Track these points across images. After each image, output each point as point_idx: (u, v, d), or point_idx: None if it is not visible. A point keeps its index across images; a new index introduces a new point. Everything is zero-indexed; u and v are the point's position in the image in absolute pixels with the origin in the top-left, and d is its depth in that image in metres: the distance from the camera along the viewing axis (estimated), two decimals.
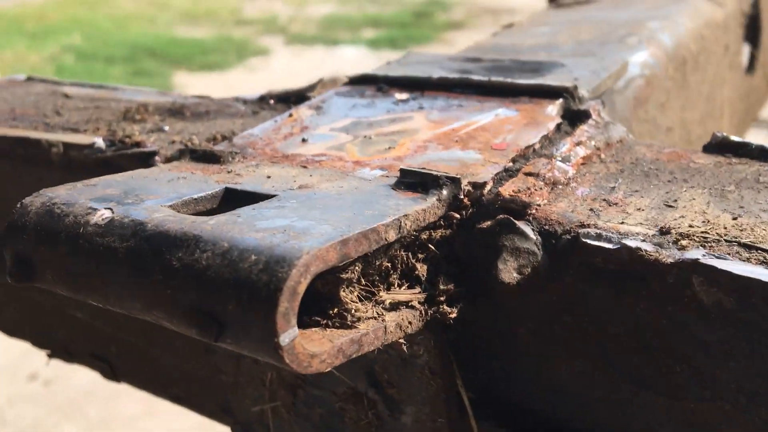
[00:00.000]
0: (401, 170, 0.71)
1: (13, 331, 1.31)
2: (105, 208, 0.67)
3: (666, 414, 0.65)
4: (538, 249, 0.67)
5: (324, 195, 0.69)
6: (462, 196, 0.70)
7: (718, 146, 0.78)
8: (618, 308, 0.64)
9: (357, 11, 10.97)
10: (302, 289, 0.54)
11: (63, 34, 9.57)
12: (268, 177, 0.76)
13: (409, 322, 0.66)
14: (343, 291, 0.63)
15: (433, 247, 0.70)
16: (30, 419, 3.33)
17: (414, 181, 0.70)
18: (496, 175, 0.73)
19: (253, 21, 10.71)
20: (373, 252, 0.65)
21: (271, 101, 1.09)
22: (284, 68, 8.49)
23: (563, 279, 0.66)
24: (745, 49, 1.60)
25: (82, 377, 3.31)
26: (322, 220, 0.62)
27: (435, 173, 0.69)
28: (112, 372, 1.16)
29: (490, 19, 10.26)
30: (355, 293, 0.64)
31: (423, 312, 0.68)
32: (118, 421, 3.29)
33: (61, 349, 1.23)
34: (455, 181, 0.69)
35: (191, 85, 7.93)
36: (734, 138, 0.77)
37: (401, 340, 0.67)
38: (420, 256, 0.70)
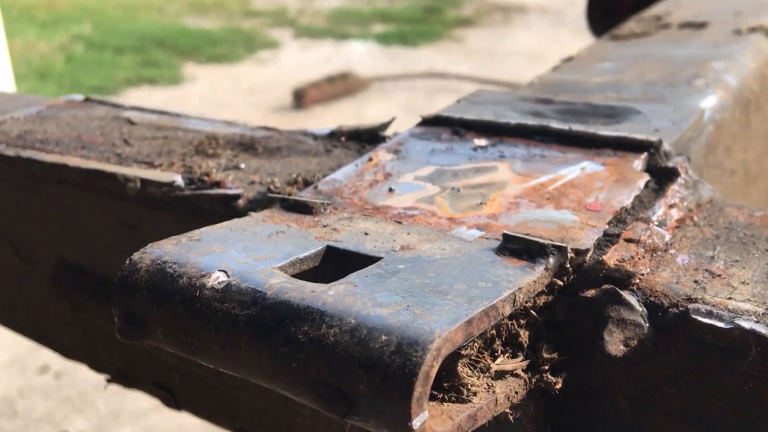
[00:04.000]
0: (504, 235, 0.72)
1: (70, 353, 1.32)
2: (219, 270, 0.68)
3: None
4: (644, 321, 0.68)
5: (430, 260, 0.70)
6: (567, 265, 0.71)
7: None
8: (725, 383, 0.65)
9: (366, 5, 10.95)
10: (434, 373, 0.55)
11: (73, 23, 9.55)
12: (366, 234, 0.77)
13: (516, 392, 0.67)
14: (461, 366, 0.64)
15: (535, 314, 0.71)
16: (40, 411, 3.35)
17: (519, 248, 0.71)
18: (596, 241, 0.74)
19: (261, 13, 10.69)
20: None
21: (342, 138, 1.10)
22: (293, 62, 8.48)
23: (669, 352, 0.67)
24: None
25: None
26: (440, 293, 0.63)
27: (541, 241, 0.70)
28: (174, 400, 1.17)
29: (500, 16, 10.26)
30: (466, 363, 0.65)
31: (527, 380, 0.69)
32: (127, 414, 3.30)
33: (121, 374, 1.24)
34: (562, 251, 0.70)
35: (201, 77, 7.93)
36: None
37: (508, 411, 0.69)
38: (522, 321, 0.71)
